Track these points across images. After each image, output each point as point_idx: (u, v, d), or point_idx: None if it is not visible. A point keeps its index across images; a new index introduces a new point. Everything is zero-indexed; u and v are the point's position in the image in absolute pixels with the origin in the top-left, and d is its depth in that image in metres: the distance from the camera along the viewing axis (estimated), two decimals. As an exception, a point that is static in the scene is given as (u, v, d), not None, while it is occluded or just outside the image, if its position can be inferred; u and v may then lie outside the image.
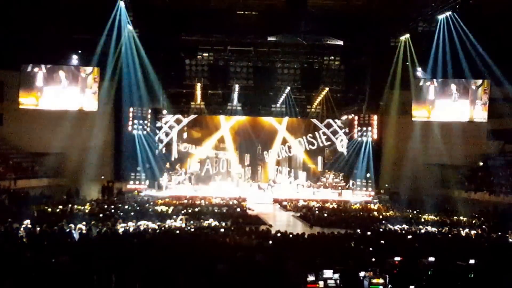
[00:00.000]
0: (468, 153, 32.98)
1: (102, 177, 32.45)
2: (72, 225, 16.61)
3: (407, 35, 31.23)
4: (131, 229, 17.55)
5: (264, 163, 37.01)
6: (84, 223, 17.31)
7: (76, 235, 15.85)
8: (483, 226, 22.53)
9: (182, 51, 33.89)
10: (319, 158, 37.38)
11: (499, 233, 19.78)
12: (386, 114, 35.22)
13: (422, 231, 20.83)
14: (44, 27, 27.60)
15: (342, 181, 35.07)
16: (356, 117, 35.46)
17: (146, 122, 34.16)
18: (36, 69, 30.50)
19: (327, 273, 10.04)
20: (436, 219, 25.42)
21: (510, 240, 18.65)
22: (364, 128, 34.89)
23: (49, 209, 22.89)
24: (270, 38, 33.08)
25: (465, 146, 32.48)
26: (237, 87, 35.03)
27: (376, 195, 33.50)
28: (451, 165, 32.81)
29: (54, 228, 16.39)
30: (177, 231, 17.89)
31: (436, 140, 32.48)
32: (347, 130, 36.15)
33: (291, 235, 16.73)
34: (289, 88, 35.14)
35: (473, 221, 24.37)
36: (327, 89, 34.98)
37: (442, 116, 32.04)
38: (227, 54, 34.24)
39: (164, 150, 35.48)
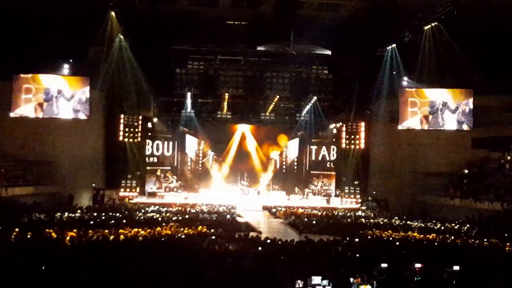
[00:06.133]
0: (454, 161, 33.41)
1: (93, 184, 32.52)
2: (63, 233, 16.73)
3: (394, 45, 31.78)
4: (121, 237, 17.68)
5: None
6: (75, 230, 17.42)
7: (67, 243, 15.94)
8: (469, 233, 22.93)
9: (173, 61, 34.13)
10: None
11: (484, 240, 20.13)
12: (373, 122, 35.68)
13: (409, 237, 21.13)
14: (35, 36, 27.70)
15: (331, 189, 35.52)
16: (344, 126, 35.89)
17: (137, 130, 34.34)
18: (27, 78, 30.57)
19: (316, 279, 10.11)
20: (422, 225, 25.74)
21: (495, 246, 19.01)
22: (352, 136, 35.33)
23: (40, 217, 22.94)
24: (259, 48, 33.44)
25: (451, 154, 32.97)
26: (226, 95, 35.34)
27: (363, 202, 33.83)
28: (437, 172, 33.25)
29: (45, 235, 16.49)
30: (167, 238, 18.05)
31: (422, 148, 32.97)
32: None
33: (280, 242, 16.97)
34: (278, 96, 35.54)
35: (459, 228, 24.74)
36: (315, 97, 35.42)
37: (428, 124, 32.50)
38: (217, 63, 34.54)
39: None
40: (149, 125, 35.28)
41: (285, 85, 35.26)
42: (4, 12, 26.92)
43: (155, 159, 36.02)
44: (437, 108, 32.38)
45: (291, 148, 38.89)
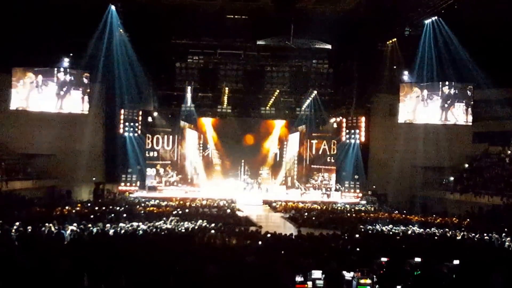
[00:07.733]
0: (454, 155, 33.43)
1: (94, 178, 32.55)
2: (63, 226, 16.75)
3: (394, 40, 31.70)
4: (122, 231, 17.69)
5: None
6: (75, 224, 17.43)
7: (67, 237, 15.98)
8: (469, 227, 22.95)
9: (173, 55, 34.05)
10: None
11: (484, 234, 20.17)
12: (373, 116, 35.65)
13: (409, 232, 21.17)
14: (35, 30, 27.58)
15: (331, 183, 35.56)
16: (344, 120, 35.85)
17: (137, 124, 34.34)
18: (27, 72, 30.50)
19: (316, 273, 10.14)
20: (422, 220, 25.79)
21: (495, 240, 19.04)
22: (352, 131, 35.28)
23: (41, 211, 22.97)
24: (259, 42, 33.35)
25: (451, 148, 32.96)
26: (227, 90, 35.30)
27: (364, 196, 33.86)
28: (437, 167, 33.29)
29: (45, 229, 16.50)
30: (168, 233, 18.08)
31: (422, 142, 32.95)
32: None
33: (280, 236, 16.99)
34: (278, 91, 35.49)
35: (459, 222, 24.79)
36: (315, 92, 35.37)
37: (428, 118, 32.45)
38: (217, 57, 34.47)
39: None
40: (149, 119, 35.29)
41: (285, 79, 35.21)
42: (4, 6, 26.80)
43: (155, 153, 36.04)
44: (437, 103, 32.30)
45: (291, 142, 38.88)
